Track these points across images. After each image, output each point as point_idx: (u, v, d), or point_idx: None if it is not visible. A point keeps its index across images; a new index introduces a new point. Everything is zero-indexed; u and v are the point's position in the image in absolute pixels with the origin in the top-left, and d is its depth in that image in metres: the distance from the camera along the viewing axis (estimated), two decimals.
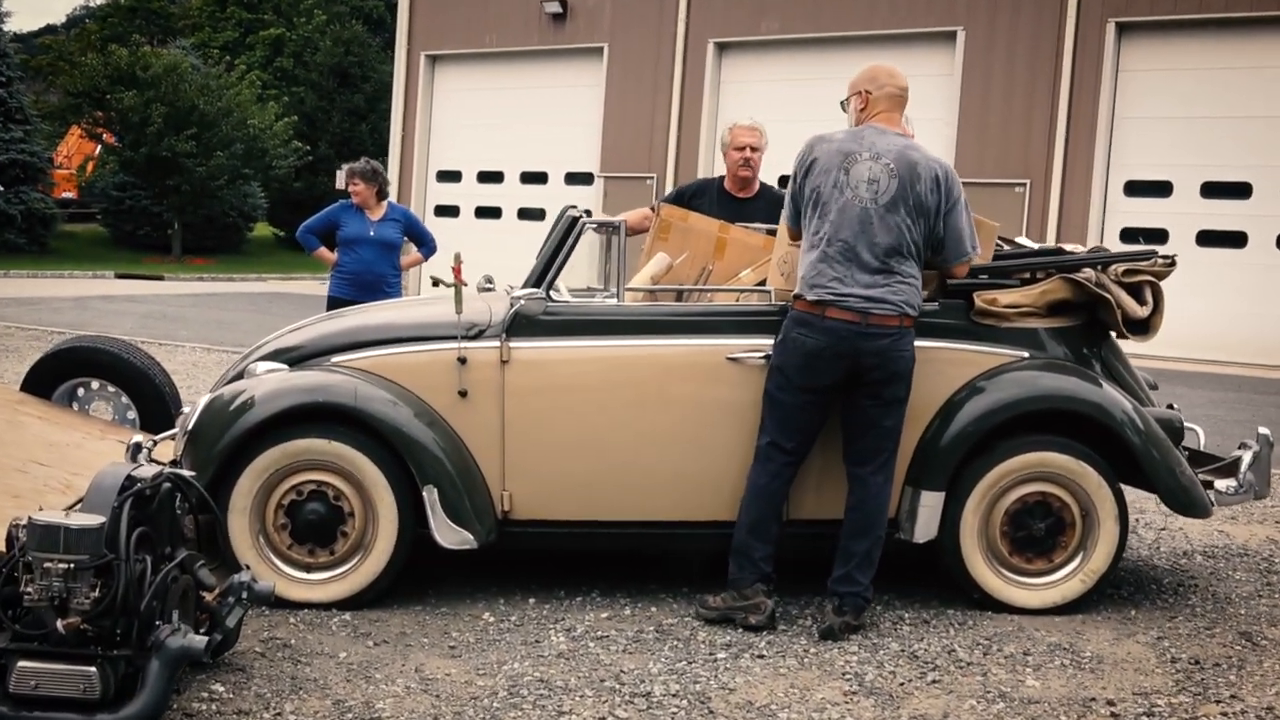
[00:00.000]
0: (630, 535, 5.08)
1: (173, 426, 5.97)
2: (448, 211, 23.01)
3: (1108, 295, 5.06)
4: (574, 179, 22.25)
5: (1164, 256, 5.20)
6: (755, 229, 5.76)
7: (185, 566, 3.89)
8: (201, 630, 3.93)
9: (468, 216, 23.24)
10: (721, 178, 6.33)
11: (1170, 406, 5.48)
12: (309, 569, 4.86)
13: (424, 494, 4.80)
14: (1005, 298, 5.10)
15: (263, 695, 3.94)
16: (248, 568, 4.35)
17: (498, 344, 4.96)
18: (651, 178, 20.92)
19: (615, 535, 5.07)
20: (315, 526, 4.84)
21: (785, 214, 5.03)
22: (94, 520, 3.56)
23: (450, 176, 23.78)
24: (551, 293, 5.08)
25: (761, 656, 4.49)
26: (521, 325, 5.00)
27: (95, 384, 6.41)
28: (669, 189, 20.31)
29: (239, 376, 5.20)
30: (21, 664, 3.47)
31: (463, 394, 4.94)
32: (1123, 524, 5.06)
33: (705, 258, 5.74)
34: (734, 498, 4.90)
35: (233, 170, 30.82)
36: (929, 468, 4.99)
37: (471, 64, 23.37)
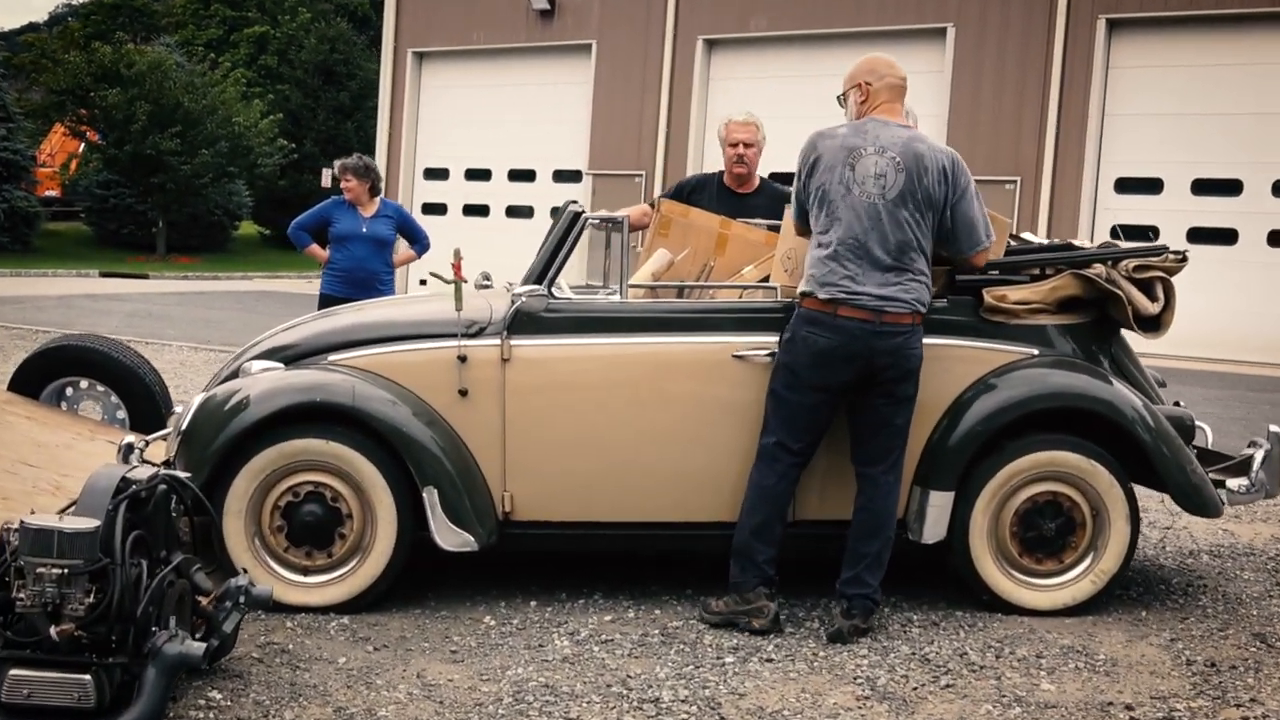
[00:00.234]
0: (635, 537, 4.99)
1: (163, 426, 5.87)
2: (435, 209, 22.88)
3: (1119, 291, 4.98)
4: (562, 176, 22.14)
5: (1175, 252, 5.12)
6: (756, 225, 5.66)
7: (181, 570, 3.78)
8: (197, 636, 3.82)
9: (455, 214, 23.12)
10: (721, 172, 6.24)
11: (1177, 404, 5.41)
12: (306, 572, 4.75)
13: (424, 495, 4.70)
14: (1015, 294, 5.01)
15: (261, 702, 3.83)
16: (245, 571, 4.24)
17: (499, 342, 4.86)
18: (640, 175, 20.82)
19: (619, 537, 4.97)
20: (312, 528, 4.73)
21: (793, 212, 4.93)
22: (88, 524, 3.45)
23: (438, 174, 23.66)
24: (553, 289, 4.98)
25: (770, 660, 4.40)
26: (523, 323, 4.90)
27: (84, 383, 6.29)
28: (658, 186, 20.26)
29: (233, 375, 5.09)
30: (14, 672, 3.36)
31: (463, 393, 4.83)
32: (1134, 524, 4.98)
33: (706, 254, 5.64)
34: (741, 498, 4.80)
35: (217, 168, 30.67)
36: (938, 467, 4.90)
37: (458, 61, 23.25)
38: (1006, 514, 4.95)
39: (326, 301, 7.86)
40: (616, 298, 5.04)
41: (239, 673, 4.04)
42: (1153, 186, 17.59)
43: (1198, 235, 16.80)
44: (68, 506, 3.74)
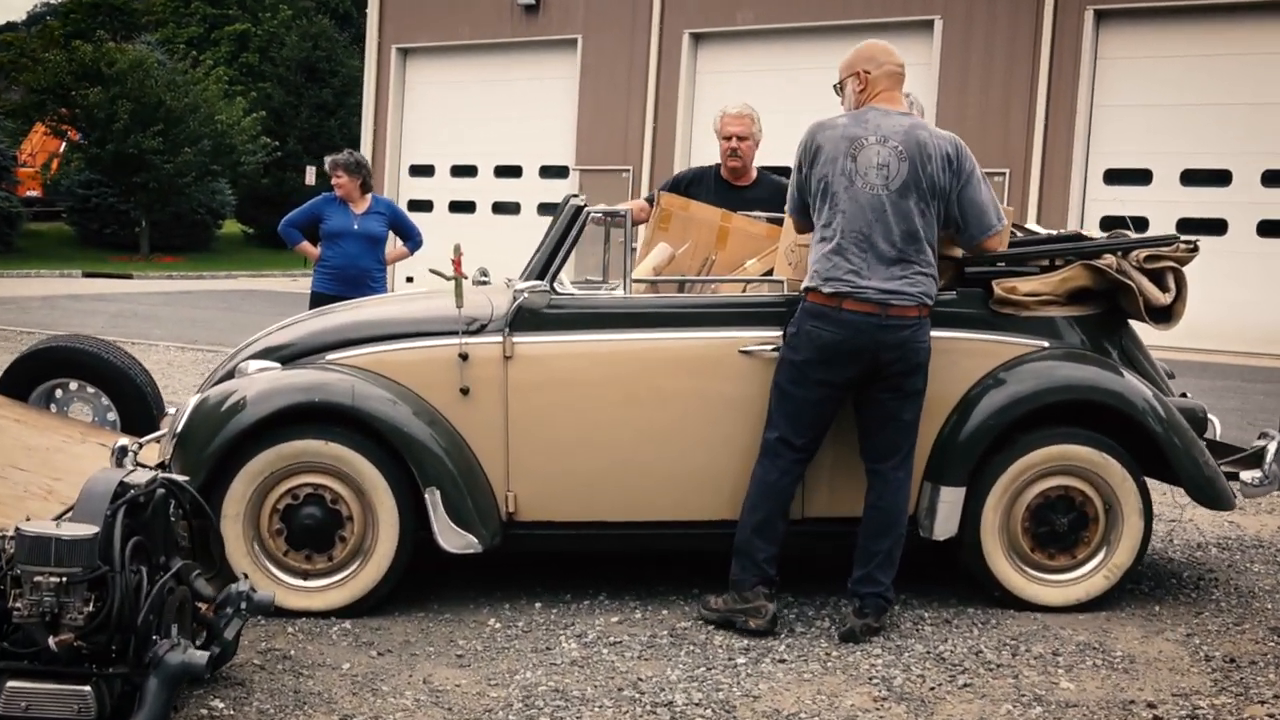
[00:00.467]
0: (641, 536, 4.88)
1: (155, 428, 5.75)
2: (421, 206, 22.73)
3: (1130, 282, 4.90)
4: (549, 172, 22.04)
5: (1186, 241, 5.05)
6: (757, 218, 5.58)
7: (181, 577, 3.68)
8: (198, 644, 3.71)
9: (441, 211, 23.00)
10: (718, 165, 6.15)
11: (1183, 395, 5.34)
12: (306, 576, 4.65)
13: (426, 496, 4.60)
14: (1025, 286, 4.93)
15: (265, 711, 3.73)
16: (246, 577, 4.14)
17: (500, 339, 4.76)
18: (628, 170, 20.72)
19: (625, 536, 4.87)
20: (312, 531, 4.62)
21: (791, 206, 4.83)
22: (86, 530, 3.34)
23: (423, 171, 23.54)
24: (555, 285, 4.88)
25: (783, 661, 4.31)
26: (525, 319, 4.80)
27: (74, 385, 6.18)
28: (645, 181, 20.18)
29: (229, 376, 4.98)
30: (11, 684, 3.26)
31: (464, 391, 4.73)
32: (1147, 518, 4.90)
33: (707, 248, 5.56)
34: None
35: (200, 167, 30.45)
36: (949, 462, 4.81)
37: (443, 57, 23.12)
38: (1018, 509, 4.87)
39: (318, 299, 7.74)
40: (620, 292, 4.94)
41: (241, 681, 3.94)
42: (1142, 177, 17.57)
43: (1187, 226, 16.74)
44: (64, 512, 3.64)
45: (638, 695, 3.96)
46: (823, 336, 4.55)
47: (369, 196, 8.08)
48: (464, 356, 4.73)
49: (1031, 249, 5.07)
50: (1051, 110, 17.78)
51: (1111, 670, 4.29)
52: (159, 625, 3.43)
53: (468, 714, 3.78)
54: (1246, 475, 5.12)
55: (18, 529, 3.33)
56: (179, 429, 4.71)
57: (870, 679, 4.16)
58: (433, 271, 4.92)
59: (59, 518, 3.55)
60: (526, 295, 4.82)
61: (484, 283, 5.65)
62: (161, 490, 3.73)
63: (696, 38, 20.50)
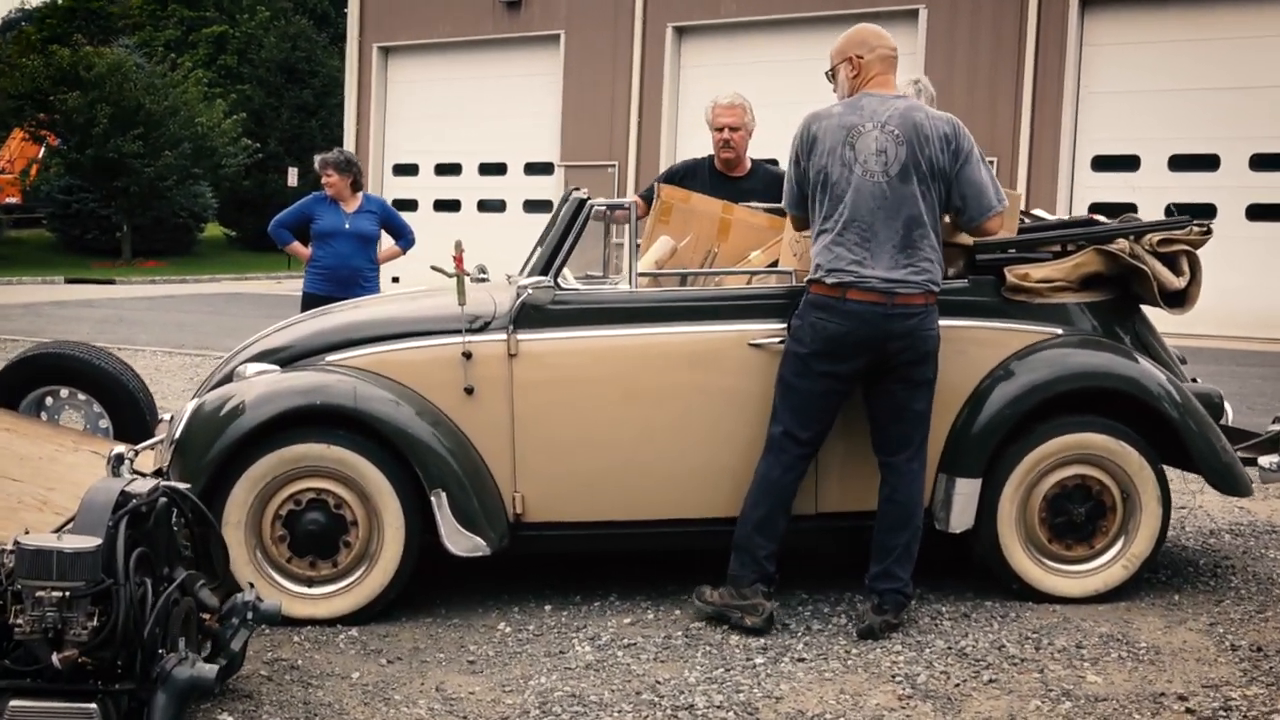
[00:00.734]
0: (655, 535, 4.77)
1: (149, 434, 5.62)
2: (406, 205, 22.56)
3: (1143, 266, 4.82)
4: (534, 169, 21.93)
5: (1199, 223, 4.97)
6: (757, 209, 5.48)
7: (186, 587, 3.57)
8: (204, 655, 3.60)
9: (426, 210, 22.86)
10: (711, 157, 6.06)
11: (1194, 380, 5.25)
12: (310, 583, 4.54)
13: (432, 499, 4.49)
14: (1038, 272, 4.84)
15: None
16: (252, 586, 4.02)
17: (504, 336, 4.65)
18: (613, 166, 20.62)
19: (636, 536, 4.77)
20: (316, 537, 4.51)
21: (788, 201, 4.73)
22: (89, 543, 3.22)
23: (407, 170, 23.40)
24: (559, 281, 4.77)
25: (802, 660, 4.22)
26: (529, 316, 4.69)
27: (65, 392, 6.04)
28: (631, 176, 20.07)
29: (226, 380, 4.86)
30: (15, 703, 3.13)
31: (469, 391, 4.62)
32: (1165, 506, 4.82)
33: (709, 240, 5.46)
34: None
35: (181, 170, 30.26)
36: (963, 453, 4.72)
37: (425, 55, 22.99)
38: (1035, 500, 4.79)
39: (310, 300, 7.63)
40: (625, 287, 4.83)
41: (249, 693, 3.83)
42: (1129, 163, 17.53)
43: (1176, 211, 16.70)
44: (64, 524, 3.52)
45: (657, 699, 3.86)
46: (828, 328, 4.45)
47: (360, 195, 7.96)
48: (468, 355, 4.62)
49: (1043, 234, 4.98)
50: (1038, 98, 17.73)
51: (1137, 662, 4.20)
52: (165, 638, 3.32)
53: None
54: (1265, 460, 5.05)
55: (17, 542, 3.21)
56: (177, 435, 4.59)
57: (893, 677, 4.07)
58: (434, 269, 4.80)
59: (59, 530, 3.43)
60: (530, 291, 4.71)
61: (484, 279, 5.55)
62: (164, 499, 3.61)
63: (680, 31, 20.40)
